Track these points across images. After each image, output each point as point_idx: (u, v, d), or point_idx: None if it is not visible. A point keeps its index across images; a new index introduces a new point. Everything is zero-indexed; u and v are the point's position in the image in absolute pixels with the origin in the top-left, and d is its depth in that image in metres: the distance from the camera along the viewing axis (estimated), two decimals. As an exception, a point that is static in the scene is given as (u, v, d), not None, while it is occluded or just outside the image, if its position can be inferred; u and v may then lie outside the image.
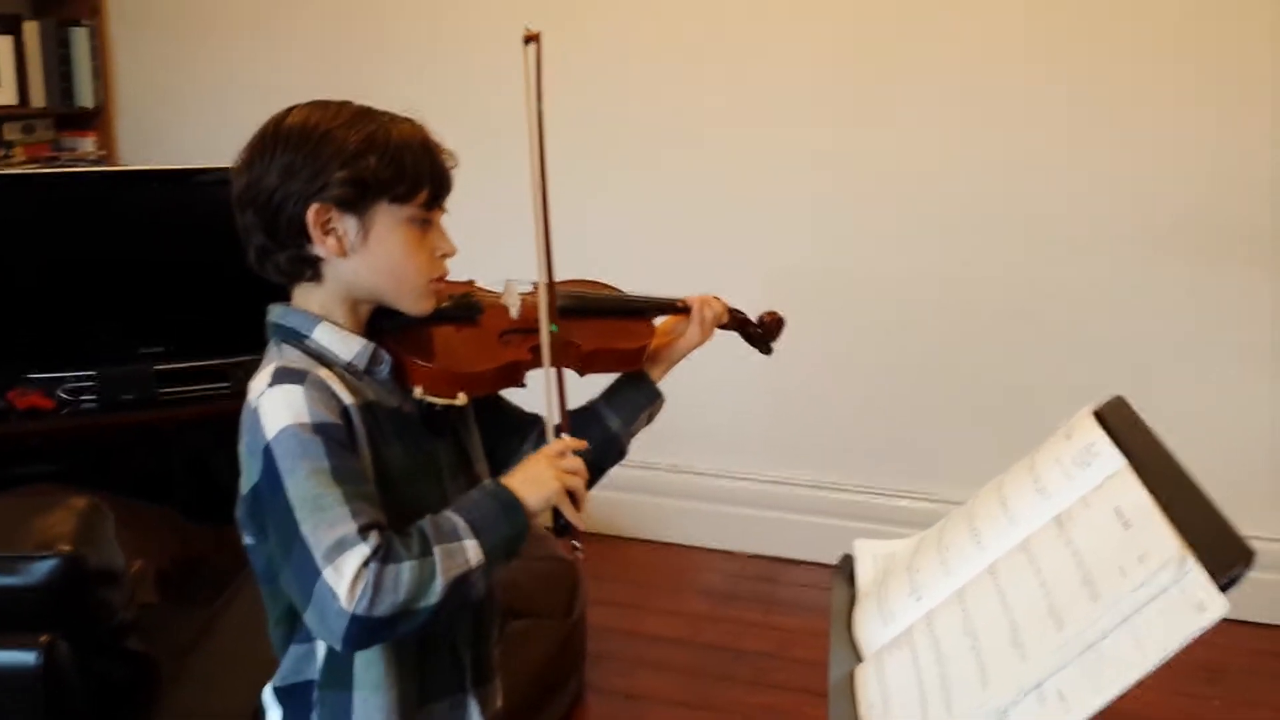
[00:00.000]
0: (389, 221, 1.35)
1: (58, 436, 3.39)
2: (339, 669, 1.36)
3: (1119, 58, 3.17)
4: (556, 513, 1.37)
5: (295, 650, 1.40)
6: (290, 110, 1.37)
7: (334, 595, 1.17)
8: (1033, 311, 3.36)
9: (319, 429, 1.25)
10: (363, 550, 1.18)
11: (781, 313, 1.80)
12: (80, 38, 4.09)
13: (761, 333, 1.80)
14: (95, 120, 4.19)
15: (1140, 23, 3.14)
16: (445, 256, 1.41)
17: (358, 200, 1.33)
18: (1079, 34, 3.19)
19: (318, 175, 1.31)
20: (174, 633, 2.01)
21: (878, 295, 3.49)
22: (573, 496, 1.36)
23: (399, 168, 1.33)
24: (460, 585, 1.24)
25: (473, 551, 1.26)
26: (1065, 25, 3.20)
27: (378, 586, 1.17)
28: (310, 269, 1.37)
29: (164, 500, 2.85)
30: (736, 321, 1.76)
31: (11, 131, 3.92)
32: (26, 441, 3.39)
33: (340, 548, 1.18)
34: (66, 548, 1.62)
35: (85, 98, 4.13)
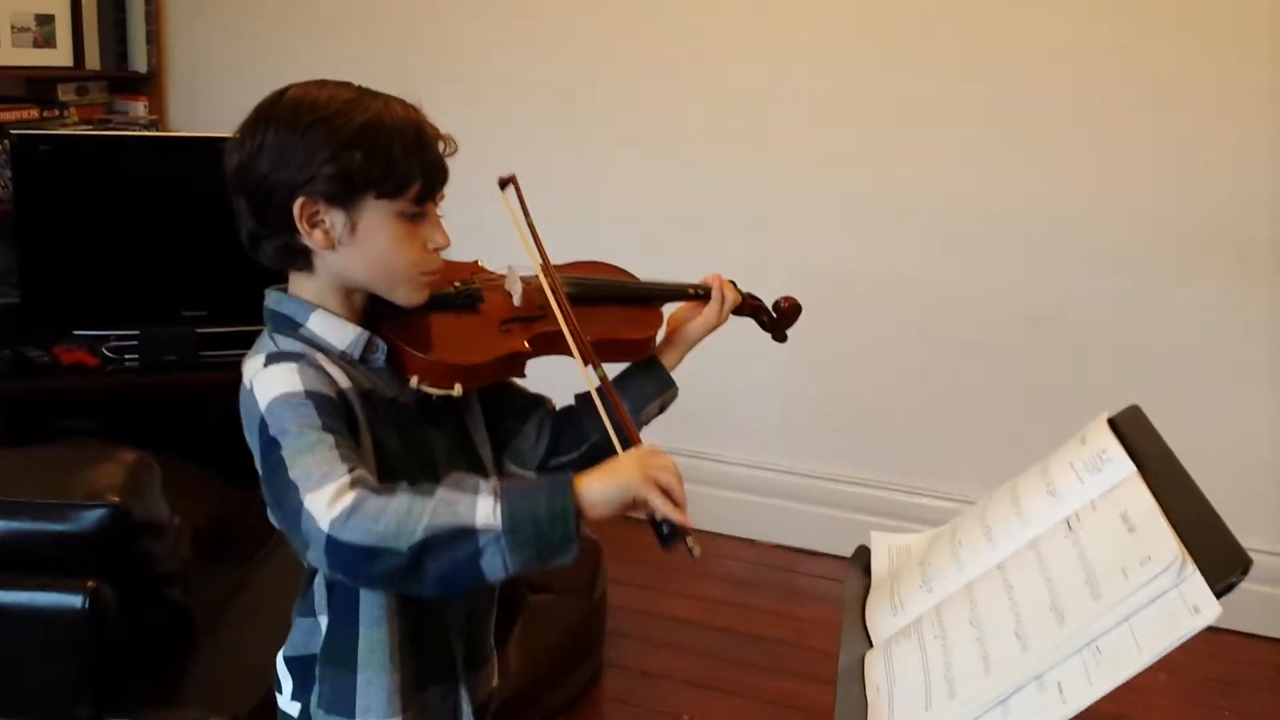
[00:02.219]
0: (377, 216, 1.31)
1: (99, 393, 3.47)
2: (341, 647, 1.35)
3: (1148, 71, 3.18)
4: (656, 525, 1.23)
5: (302, 623, 1.41)
6: (288, 88, 1.34)
7: (314, 516, 1.14)
8: (1054, 318, 3.38)
9: (310, 395, 1.24)
10: (346, 478, 1.16)
11: (798, 299, 1.72)
12: (137, 3, 4.12)
13: (777, 319, 1.72)
14: (148, 85, 4.24)
15: (1168, 38, 3.15)
16: (438, 249, 1.37)
17: (344, 195, 1.29)
18: (1115, 51, 3.20)
19: (305, 166, 1.28)
20: (209, 587, 2.07)
21: (905, 295, 3.51)
22: (669, 496, 1.21)
23: (388, 163, 1.29)
24: (450, 540, 1.13)
25: (483, 509, 1.14)
26: (1100, 39, 3.21)
27: (356, 509, 1.13)
28: (300, 258, 1.34)
29: (200, 460, 2.91)
30: (751, 307, 1.69)
31: (66, 93, 3.98)
32: (69, 396, 3.48)
33: (325, 478, 1.16)
34: (115, 499, 1.68)
35: (139, 62, 4.18)
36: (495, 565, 1.14)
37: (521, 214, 1.49)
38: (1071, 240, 3.33)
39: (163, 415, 3.52)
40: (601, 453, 1.38)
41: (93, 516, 1.67)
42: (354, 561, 1.14)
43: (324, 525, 1.14)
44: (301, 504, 1.16)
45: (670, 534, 1.22)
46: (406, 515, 1.14)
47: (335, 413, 1.25)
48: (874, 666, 1.21)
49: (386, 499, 1.15)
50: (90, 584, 1.65)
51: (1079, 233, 3.31)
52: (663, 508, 1.20)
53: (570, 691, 2.79)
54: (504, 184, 1.52)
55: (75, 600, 1.64)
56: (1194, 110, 3.16)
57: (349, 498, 1.15)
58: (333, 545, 1.14)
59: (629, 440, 1.34)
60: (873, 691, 1.18)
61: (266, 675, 1.47)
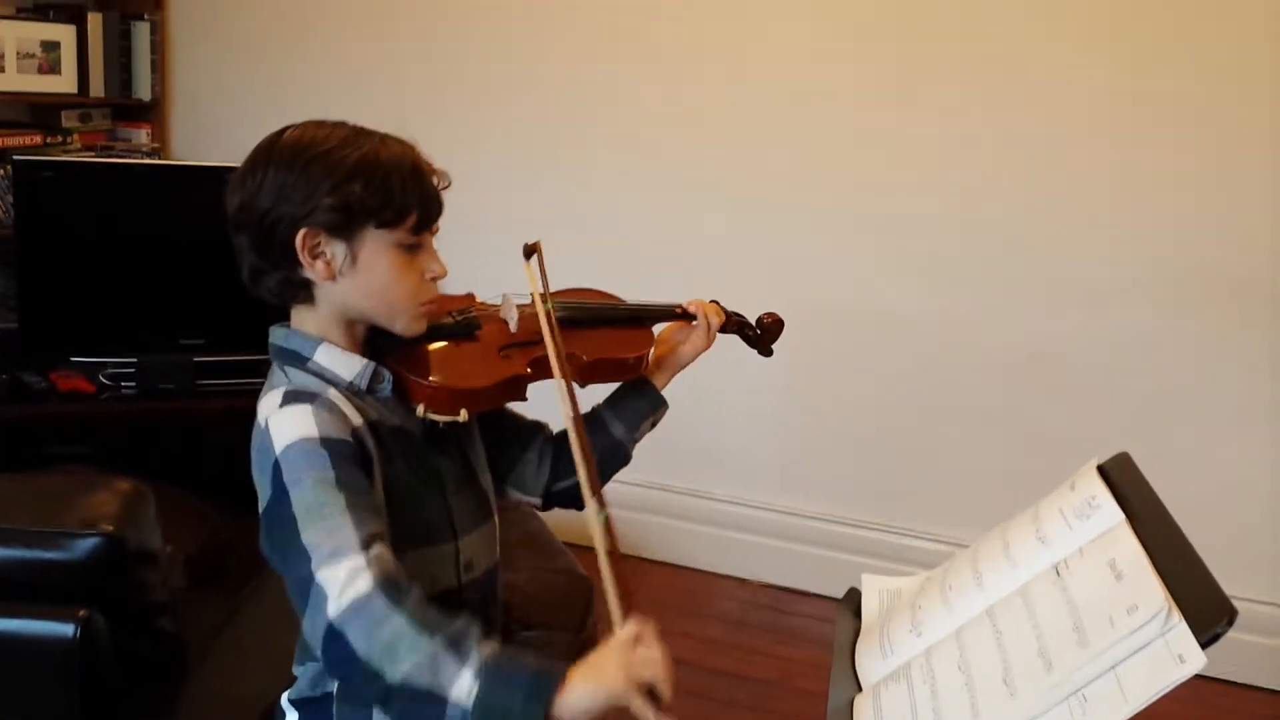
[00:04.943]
0: (377, 246, 1.35)
1: (96, 420, 3.47)
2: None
3: (1152, 110, 3.19)
4: None
5: (313, 666, 1.42)
6: (285, 130, 1.38)
7: (325, 597, 1.14)
8: (1051, 359, 3.38)
9: (326, 442, 1.25)
10: (359, 560, 1.15)
11: (780, 314, 1.78)
12: (142, 31, 4.16)
13: (760, 334, 1.79)
14: (151, 113, 4.27)
15: (1170, 78, 3.16)
16: (436, 279, 1.41)
17: (345, 225, 1.33)
18: (1115, 91, 3.22)
19: (307, 199, 1.31)
20: (201, 617, 2.07)
21: (901, 335, 3.52)
22: (652, 692, 1.16)
23: (386, 193, 1.33)
24: (422, 698, 1.11)
25: (461, 685, 1.11)
26: (1101, 75, 3.23)
27: (364, 609, 1.13)
28: (302, 291, 1.37)
29: (195, 489, 2.91)
30: (735, 324, 1.76)
31: (69, 119, 4.00)
32: (65, 423, 3.48)
33: (338, 554, 1.16)
34: (109, 527, 1.67)
35: (143, 90, 4.21)
36: None
37: (541, 282, 1.52)
38: (1070, 281, 3.33)
39: (158, 443, 3.52)
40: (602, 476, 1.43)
41: (86, 545, 1.66)
42: (343, 662, 1.14)
43: (331, 612, 1.13)
44: (313, 577, 1.16)
45: None
46: (398, 643, 1.12)
47: (350, 459, 1.26)
48: (863, 710, 1.22)
49: (392, 610, 1.13)
50: (82, 613, 1.64)
51: (1078, 273, 3.32)
52: (644, 716, 1.15)
53: (559, 729, 2.77)
54: (529, 253, 1.55)
55: (66, 629, 1.63)
56: (1194, 151, 3.18)
57: (361, 586, 1.14)
58: (332, 635, 1.13)
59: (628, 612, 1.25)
60: (861, 735, 1.18)
61: (256, 706, 1.47)
